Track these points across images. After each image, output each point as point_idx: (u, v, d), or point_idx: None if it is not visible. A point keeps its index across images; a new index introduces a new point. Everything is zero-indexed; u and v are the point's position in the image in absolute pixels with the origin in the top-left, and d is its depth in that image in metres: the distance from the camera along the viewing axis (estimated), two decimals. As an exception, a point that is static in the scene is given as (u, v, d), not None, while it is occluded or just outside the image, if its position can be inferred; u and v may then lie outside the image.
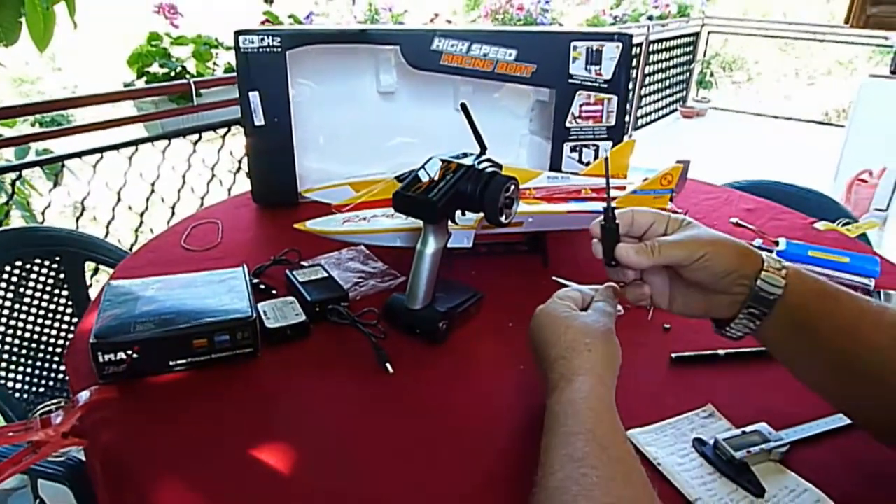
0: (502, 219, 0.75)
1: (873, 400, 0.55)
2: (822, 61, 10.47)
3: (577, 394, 0.54)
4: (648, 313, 0.84)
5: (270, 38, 1.09)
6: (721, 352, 0.75)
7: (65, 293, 1.38)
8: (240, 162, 2.24)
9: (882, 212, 3.63)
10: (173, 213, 2.13)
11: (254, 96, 1.12)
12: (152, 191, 2.04)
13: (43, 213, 1.86)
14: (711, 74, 6.89)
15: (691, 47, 6.70)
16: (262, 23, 2.44)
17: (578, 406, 0.52)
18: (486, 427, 0.65)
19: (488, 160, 0.77)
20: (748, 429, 0.60)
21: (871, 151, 3.73)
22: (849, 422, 0.63)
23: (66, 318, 1.38)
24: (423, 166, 0.77)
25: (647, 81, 5.71)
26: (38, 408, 0.71)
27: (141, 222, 2.08)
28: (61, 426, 0.67)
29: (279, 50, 1.09)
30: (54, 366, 1.35)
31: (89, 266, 1.48)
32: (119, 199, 1.96)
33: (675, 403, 0.67)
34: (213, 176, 2.18)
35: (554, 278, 0.91)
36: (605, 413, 0.53)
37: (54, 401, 0.72)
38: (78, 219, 1.91)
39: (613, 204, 0.62)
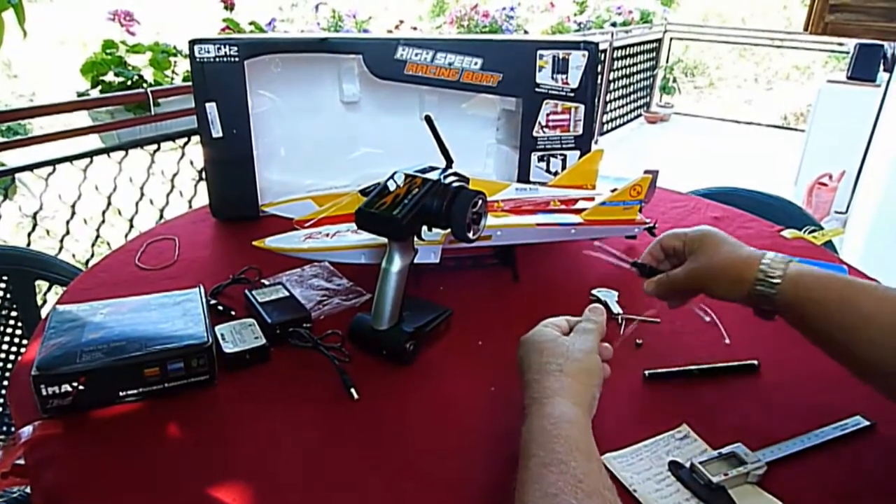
0: (470, 235, 0.73)
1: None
2: (780, 66, 10.72)
3: (547, 420, 0.52)
4: (620, 328, 0.83)
5: (227, 47, 1.05)
6: (694, 368, 0.73)
7: (14, 314, 1.31)
8: (200, 172, 2.17)
9: (842, 214, 3.72)
10: (131, 227, 2.05)
11: (211, 107, 1.08)
12: (109, 204, 1.96)
13: (-8, 229, 1.78)
14: (674, 80, 7.00)
15: (654, 53, 6.80)
16: (223, 30, 2.39)
17: (549, 434, 0.51)
18: (457, 454, 0.62)
19: (455, 174, 0.75)
20: (724, 450, 0.59)
21: (831, 155, 3.83)
22: (823, 440, 0.62)
23: (16, 341, 1.32)
24: (387, 181, 0.74)
25: (611, 87, 5.76)
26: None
27: (97, 236, 2.00)
28: (0, 466, 0.62)
29: (237, 59, 1.06)
30: (2, 390, 1.28)
31: (42, 284, 1.41)
32: (74, 213, 1.88)
33: (650, 423, 0.65)
34: (173, 187, 2.12)
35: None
36: (578, 440, 0.51)
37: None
38: (30, 234, 1.83)
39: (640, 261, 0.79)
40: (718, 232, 0.72)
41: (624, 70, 6.03)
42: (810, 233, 1.15)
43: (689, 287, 0.72)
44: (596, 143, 5.07)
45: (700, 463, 0.56)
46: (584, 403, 0.55)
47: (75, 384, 0.64)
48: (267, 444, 0.63)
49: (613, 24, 5.67)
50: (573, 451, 0.49)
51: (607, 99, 5.72)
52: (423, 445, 0.64)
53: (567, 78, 1.16)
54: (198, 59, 1.04)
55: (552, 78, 1.15)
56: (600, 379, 0.59)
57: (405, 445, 0.64)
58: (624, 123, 6.39)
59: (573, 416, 0.53)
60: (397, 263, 0.73)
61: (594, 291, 0.90)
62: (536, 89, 1.16)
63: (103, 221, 1.99)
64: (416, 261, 0.75)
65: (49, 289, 1.62)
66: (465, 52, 1.12)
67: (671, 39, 7.04)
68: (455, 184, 0.72)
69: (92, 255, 2.03)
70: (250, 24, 2.45)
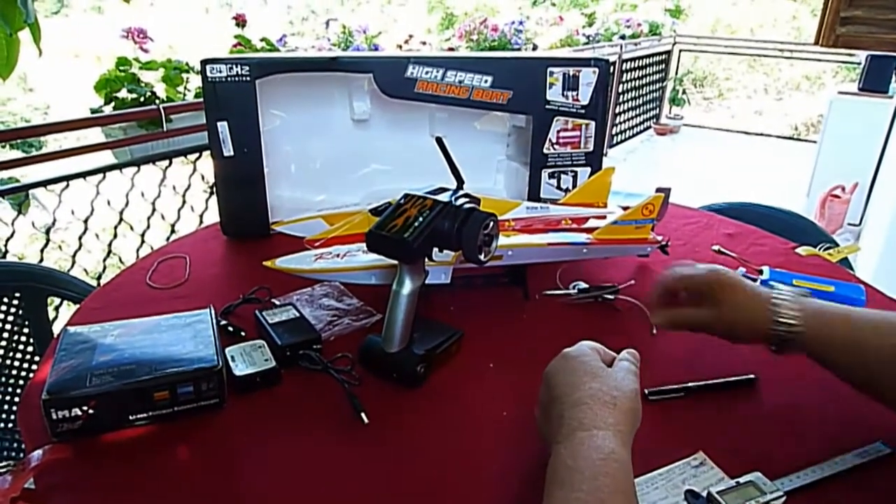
0: (482, 257, 0.72)
1: None
2: (790, 76, 10.70)
3: (595, 452, 0.50)
4: (652, 327, 0.83)
5: (239, 66, 1.06)
6: (693, 385, 0.72)
7: (25, 330, 1.32)
8: (211, 187, 2.19)
9: (855, 226, 3.69)
10: (143, 242, 2.07)
11: (222, 126, 1.08)
12: (120, 219, 1.98)
13: (6, 244, 1.79)
14: (684, 92, 6.99)
15: (663, 65, 6.80)
16: (235, 46, 2.41)
17: (598, 469, 0.48)
18: (468, 479, 0.61)
19: (466, 195, 0.74)
20: (742, 479, 0.57)
21: (843, 167, 3.80)
22: (843, 468, 0.60)
23: (28, 357, 1.32)
24: (398, 202, 0.74)
25: (621, 99, 5.76)
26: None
27: (109, 252, 2.01)
28: (10, 490, 0.62)
29: (248, 79, 1.06)
30: (13, 407, 1.28)
31: (53, 299, 1.42)
32: (86, 229, 1.89)
33: (663, 450, 0.64)
34: (184, 202, 2.13)
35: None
36: (623, 482, 0.49)
37: (6, 463, 0.67)
38: (43, 249, 1.85)
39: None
40: (730, 275, 0.72)
41: (633, 82, 6.03)
42: (825, 250, 1.14)
43: (707, 332, 0.73)
44: (605, 155, 5.06)
45: (717, 493, 0.55)
46: (629, 444, 0.53)
47: (85, 408, 0.64)
48: (276, 469, 0.62)
49: (622, 37, 5.68)
50: (617, 494, 0.47)
51: (617, 111, 5.72)
52: (434, 470, 0.63)
53: (577, 95, 1.16)
54: (210, 79, 1.05)
55: (562, 95, 1.15)
56: (639, 423, 0.57)
57: (416, 470, 0.63)
58: (634, 135, 6.38)
59: (621, 455, 0.50)
60: (408, 286, 0.72)
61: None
62: (547, 106, 1.15)
63: (115, 236, 2.00)
64: (426, 282, 0.75)
65: (61, 303, 1.63)
66: (475, 70, 1.12)
67: (680, 51, 7.04)
68: (466, 205, 0.72)
69: (104, 270, 2.04)
70: (261, 40, 2.47)
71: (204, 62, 1.04)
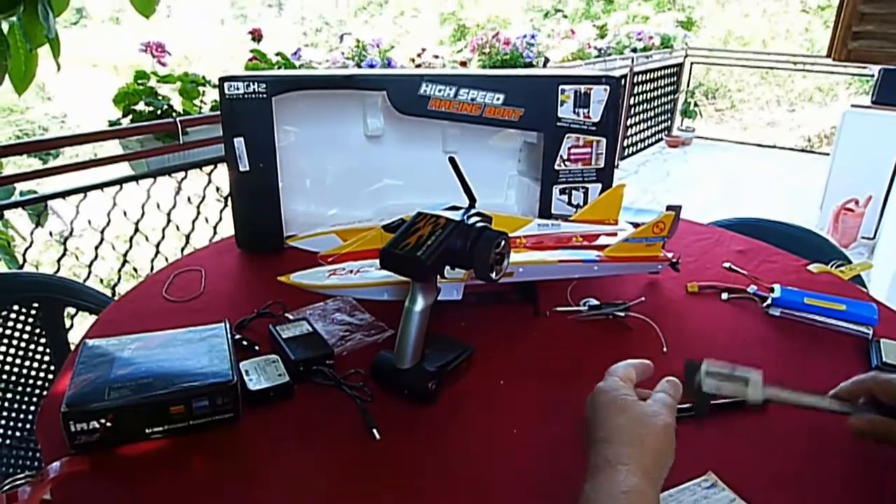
0: (493, 275, 0.73)
1: None
2: (803, 87, 10.66)
3: (618, 487, 0.49)
4: (663, 346, 0.84)
5: (256, 83, 1.07)
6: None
7: (42, 340, 1.34)
8: (225, 199, 2.21)
9: (869, 240, 3.66)
10: (157, 252, 2.09)
11: (239, 142, 1.10)
12: (136, 230, 2.01)
13: (24, 255, 1.82)
14: (696, 104, 6.98)
15: (675, 77, 6.79)
16: (250, 60, 2.44)
17: (619, 502, 0.48)
18: (478, 496, 0.62)
19: (478, 214, 0.75)
20: (738, 372, 0.61)
21: (857, 180, 3.78)
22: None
23: (44, 367, 1.34)
24: (412, 220, 0.75)
25: (632, 112, 5.76)
26: (5, 481, 0.67)
27: (124, 262, 2.04)
28: (29, 502, 0.63)
29: (265, 96, 1.08)
30: (30, 416, 1.30)
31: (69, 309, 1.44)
32: (102, 239, 1.92)
33: (673, 469, 0.64)
34: (199, 214, 2.16)
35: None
36: None
37: (25, 474, 0.69)
38: (59, 259, 1.88)
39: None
40: None
41: (645, 94, 6.03)
42: (837, 267, 1.14)
43: None
44: (616, 167, 5.06)
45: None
46: (654, 480, 0.52)
47: (103, 421, 0.66)
48: (289, 483, 0.63)
49: (634, 50, 5.69)
50: None
51: (628, 123, 5.72)
52: (445, 486, 0.63)
53: (589, 112, 1.17)
54: (227, 96, 1.07)
55: (574, 112, 1.16)
56: (672, 460, 0.55)
57: (427, 486, 0.63)
58: (645, 147, 6.37)
59: (646, 492, 0.50)
60: (420, 303, 0.73)
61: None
62: (558, 123, 1.16)
63: (130, 246, 2.03)
64: (438, 298, 0.76)
65: (76, 313, 1.65)
66: (487, 88, 1.13)
67: (692, 63, 7.04)
68: (478, 224, 0.73)
69: (119, 280, 2.06)
70: (277, 54, 2.50)
71: (222, 80, 1.06)
